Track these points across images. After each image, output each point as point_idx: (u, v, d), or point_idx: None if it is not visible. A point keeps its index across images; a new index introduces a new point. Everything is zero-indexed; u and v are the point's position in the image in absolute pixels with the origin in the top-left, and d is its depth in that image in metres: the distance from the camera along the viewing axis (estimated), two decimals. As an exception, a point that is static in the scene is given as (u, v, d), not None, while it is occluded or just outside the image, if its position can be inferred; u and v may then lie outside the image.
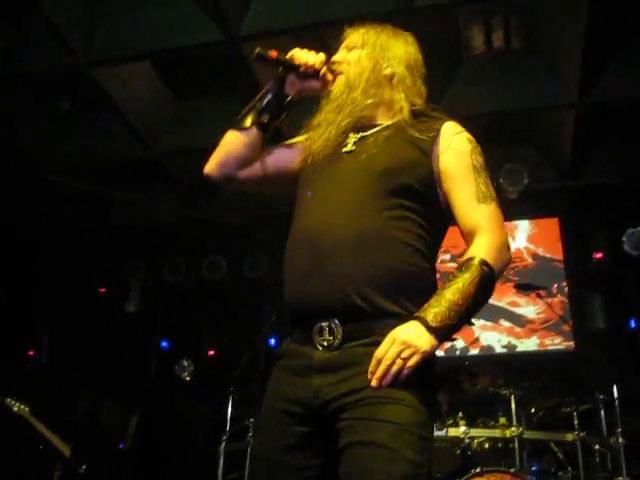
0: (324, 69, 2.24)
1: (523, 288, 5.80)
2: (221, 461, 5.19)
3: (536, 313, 7.35)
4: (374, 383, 1.75)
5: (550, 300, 5.39)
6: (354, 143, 2.10)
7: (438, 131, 2.06)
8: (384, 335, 1.80)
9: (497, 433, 4.78)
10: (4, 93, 6.46)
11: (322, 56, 2.26)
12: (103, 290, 8.61)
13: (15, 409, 4.91)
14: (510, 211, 7.77)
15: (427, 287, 1.91)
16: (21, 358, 8.13)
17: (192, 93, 6.84)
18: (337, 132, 2.12)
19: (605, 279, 7.41)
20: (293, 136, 2.34)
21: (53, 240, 8.10)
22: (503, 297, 7.30)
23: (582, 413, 4.97)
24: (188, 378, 7.70)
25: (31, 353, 8.29)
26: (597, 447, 5.02)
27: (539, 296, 5.53)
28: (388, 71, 2.22)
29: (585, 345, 6.87)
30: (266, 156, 2.26)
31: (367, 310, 1.84)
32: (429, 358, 1.80)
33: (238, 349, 6.09)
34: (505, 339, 7.34)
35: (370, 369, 1.77)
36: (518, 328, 7.40)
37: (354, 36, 2.34)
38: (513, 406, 4.76)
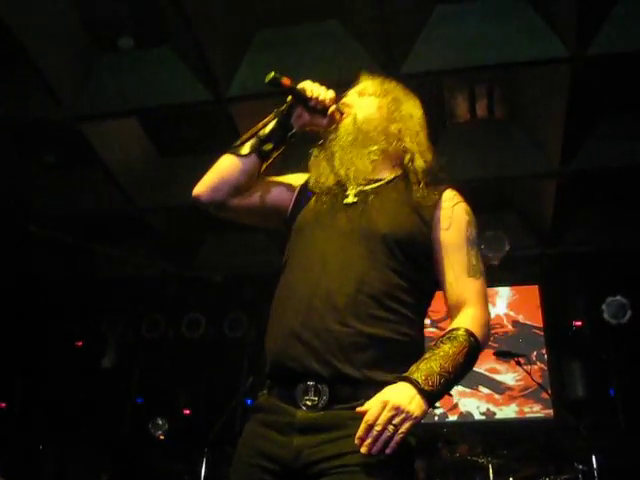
0: (333, 107, 2.16)
1: (503, 355, 5.79)
2: (194, 524, 5.08)
3: (515, 380, 7.33)
4: (364, 450, 1.66)
5: (529, 367, 5.36)
6: (355, 195, 2.04)
7: (439, 199, 2.05)
8: (369, 399, 1.73)
9: (474, 502, 4.72)
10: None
11: (332, 94, 2.18)
12: (80, 344, 8.50)
13: None
14: (491, 277, 7.72)
15: (418, 358, 1.84)
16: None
17: (178, 151, 6.89)
18: (338, 177, 2.09)
19: (585, 347, 7.42)
20: (286, 171, 2.29)
21: (33, 291, 8.03)
22: (482, 364, 7.28)
23: (562, 483, 4.93)
24: (162, 437, 7.58)
25: (2, 405, 8.14)
26: (576, 519, 4.95)
27: (518, 363, 5.51)
28: (399, 125, 2.18)
29: (564, 413, 6.83)
30: (261, 187, 2.18)
31: (358, 378, 1.79)
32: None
33: (214, 409, 6.01)
34: (484, 406, 7.30)
35: (359, 434, 1.68)
36: (497, 395, 7.37)
37: (368, 83, 2.29)
38: (491, 475, 4.71)
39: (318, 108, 2.14)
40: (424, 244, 1.97)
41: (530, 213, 7.46)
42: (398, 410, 1.67)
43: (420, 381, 1.71)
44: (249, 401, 7.63)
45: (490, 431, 6.82)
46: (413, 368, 1.76)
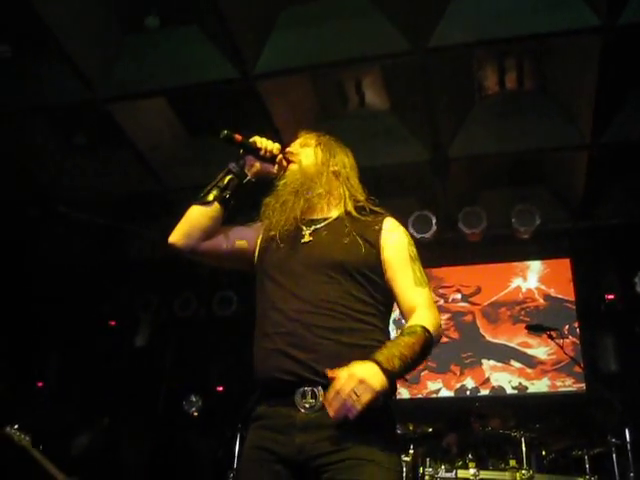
0: (280, 156, 2.53)
1: (534, 329, 5.76)
2: (227, 499, 5.15)
3: (547, 354, 7.30)
4: (331, 413, 1.98)
5: (562, 341, 5.33)
6: (310, 234, 2.39)
7: (380, 226, 2.41)
8: None
9: (507, 476, 4.72)
10: (21, 126, 6.55)
11: (278, 145, 2.54)
12: (114, 323, 8.60)
13: (16, 439, 4.84)
14: (522, 251, 7.76)
15: None
16: (29, 389, 8.12)
17: (206, 129, 6.90)
18: (293, 216, 2.40)
19: (617, 321, 7.35)
20: (246, 216, 2.60)
21: (66, 273, 8.12)
22: (514, 338, 7.26)
23: (594, 457, 4.91)
24: (196, 414, 7.67)
25: (40, 384, 8.28)
26: (609, 492, 4.94)
27: (550, 337, 5.48)
28: (336, 168, 2.55)
29: (597, 387, 6.79)
30: (226, 233, 2.51)
31: None
32: (384, 402, 2.07)
33: (247, 385, 6.06)
34: (516, 380, 7.28)
35: (328, 398, 2.00)
36: (529, 369, 7.34)
37: (307, 137, 2.65)
38: (524, 448, 4.71)
39: (267, 157, 2.51)
40: (375, 265, 2.33)
41: (561, 186, 7.39)
42: (361, 382, 1.96)
43: (382, 361, 2.02)
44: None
45: (522, 405, 6.82)
46: (377, 352, 2.07)
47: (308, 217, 2.45)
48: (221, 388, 8.05)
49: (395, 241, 2.39)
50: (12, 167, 6.89)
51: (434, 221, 7.07)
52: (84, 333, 8.15)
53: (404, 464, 4.71)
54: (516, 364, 7.31)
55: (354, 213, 2.46)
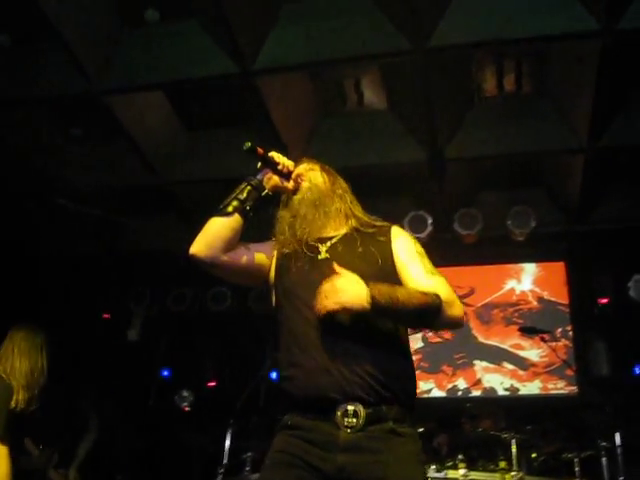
0: (296, 172, 2.63)
1: (527, 331, 5.78)
2: (217, 494, 5.14)
3: (539, 357, 7.32)
4: (317, 307, 2.17)
5: (554, 344, 5.37)
6: (326, 251, 2.48)
7: (389, 236, 2.53)
8: (395, 420, 2.18)
9: (497, 477, 4.73)
10: (19, 118, 6.53)
11: (292, 162, 2.65)
12: (107, 316, 8.59)
13: None
14: (517, 254, 7.78)
15: (414, 374, 2.36)
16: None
17: (204, 124, 6.90)
18: (312, 229, 2.52)
19: (610, 325, 7.37)
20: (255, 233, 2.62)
21: (61, 264, 8.11)
22: (507, 339, 7.28)
23: (584, 460, 4.92)
24: (188, 408, 7.67)
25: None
26: (598, 496, 4.96)
27: (543, 340, 5.51)
28: (340, 191, 2.68)
29: (588, 391, 6.81)
30: (245, 248, 2.57)
31: (384, 396, 2.18)
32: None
33: (239, 381, 6.06)
34: (508, 382, 7.30)
35: (322, 295, 2.18)
36: (521, 371, 7.36)
37: (311, 162, 2.75)
38: (514, 450, 4.72)
39: (284, 172, 2.60)
40: (393, 273, 2.43)
41: (557, 189, 7.40)
42: (340, 291, 2.15)
43: (373, 288, 2.16)
44: (274, 374, 7.71)
45: (513, 407, 6.83)
46: (378, 284, 2.21)
47: (320, 235, 2.53)
48: (213, 383, 8.05)
49: (403, 244, 2.51)
50: (8, 158, 6.87)
51: (430, 221, 7.08)
52: (77, 325, 8.14)
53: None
54: (508, 366, 7.32)
55: (361, 228, 2.57)
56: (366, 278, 2.27)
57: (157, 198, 7.53)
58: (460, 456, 4.85)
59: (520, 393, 7.26)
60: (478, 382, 7.36)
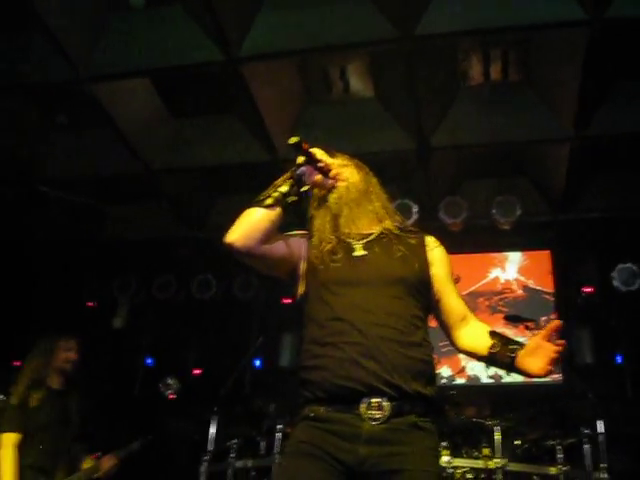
0: (335, 171, 2.59)
1: (512, 320, 5.79)
2: (202, 481, 5.15)
3: (524, 345, 7.34)
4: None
5: (538, 333, 5.37)
6: (362, 248, 2.49)
7: (424, 243, 2.60)
8: (418, 414, 2.21)
9: (480, 464, 4.76)
10: (3, 105, 6.47)
11: (333, 160, 2.61)
12: (91, 304, 8.56)
13: None
14: (502, 242, 7.80)
15: (435, 373, 2.39)
16: (7, 368, 8.07)
17: (190, 112, 6.87)
18: (341, 235, 2.53)
19: (594, 314, 7.41)
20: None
21: (45, 252, 8.06)
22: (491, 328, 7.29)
23: (567, 447, 4.95)
24: (173, 396, 7.66)
25: (17, 364, 8.21)
26: (580, 482, 4.99)
27: (527, 328, 5.52)
28: (375, 189, 2.70)
29: (572, 379, 6.84)
30: (282, 240, 2.56)
31: (409, 392, 2.20)
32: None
33: (224, 369, 6.06)
34: (491, 369, 7.33)
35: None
36: (505, 359, 7.38)
37: (344, 157, 2.74)
38: (497, 437, 4.74)
39: (324, 169, 2.57)
40: (427, 280, 2.49)
41: (543, 178, 7.42)
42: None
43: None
44: (258, 362, 7.72)
45: (497, 394, 6.88)
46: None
47: (354, 232, 2.55)
48: (198, 371, 8.05)
49: (440, 257, 2.59)
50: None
51: (415, 209, 7.07)
52: (62, 313, 8.10)
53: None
54: (493, 354, 7.34)
55: (394, 230, 2.59)
56: (403, 282, 2.39)
57: (142, 185, 7.50)
58: (444, 443, 4.86)
59: (503, 381, 7.29)
60: (462, 370, 7.38)
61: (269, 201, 2.46)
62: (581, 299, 7.39)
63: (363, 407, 2.17)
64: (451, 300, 2.55)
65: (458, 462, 4.77)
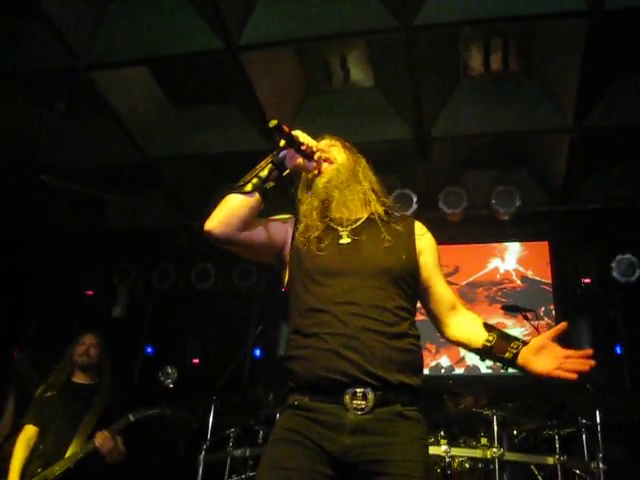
0: (318, 153, 2.54)
1: (510, 310, 5.81)
2: (200, 470, 5.17)
3: (523, 335, 7.35)
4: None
5: (537, 323, 5.38)
6: (348, 236, 2.45)
7: (413, 231, 2.55)
8: (404, 404, 2.20)
9: (478, 453, 4.76)
10: (2, 93, 6.46)
11: (315, 142, 2.56)
12: (90, 293, 8.57)
13: None
14: (501, 233, 7.80)
15: (422, 362, 2.39)
16: (6, 357, 8.08)
17: (189, 100, 6.85)
18: (329, 221, 2.48)
19: (593, 305, 7.42)
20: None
21: (45, 241, 8.06)
22: (490, 318, 7.30)
23: (564, 437, 4.97)
24: (171, 385, 7.67)
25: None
26: (578, 472, 5.00)
27: (526, 318, 5.53)
28: (364, 171, 2.66)
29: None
30: (261, 225, 2.51)
31: (392, 382, 2.19)
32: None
33: (223, 358, 6.07)
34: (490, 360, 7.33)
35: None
36: (504, 349, 7.39)
37: (333, 139, 2.71)
38: (495, 427, 4.75)
39: (307, 152, 2.51)
40: (414, 270, 2.46)
41: (542, 169, 7.42)
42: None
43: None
44: (257, 351, 7.72)
45: (496, 384, 6.88)
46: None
47: (340, 216, 2.51)
48: (197, 360, 8.06)
49: (429, 245, 2.56)
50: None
51: (415, 200, 7.08)
52: (61, 302, 8.12)
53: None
54: (491, 344, 7.35)
55: (383, 216, 2.54)
56: (389, 273, 2.35)
57: (142, 174, 7.49)
58: (442, 432, 4.88)
59: (502, 371, 7.29)
60: (461, 360, 7.40)
61: (248, 187, 2.42)
62: (580, 290, 7.40)
63: (347, 397, 2.16)
64: (440, 289, 2.52)
65: (456, 451, 4.77)
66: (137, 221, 8.15)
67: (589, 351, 2.26)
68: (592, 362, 2.23)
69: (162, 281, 8.31)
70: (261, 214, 2.51)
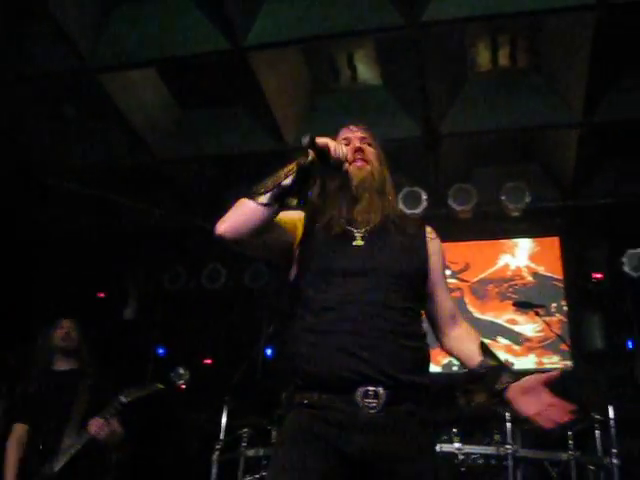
0: (347, 165, 2.42)
1: (522, 306, 5.80)
2: (214, 470, 5.17)
3: (534, 331, 7.35)
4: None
5: (548, 319, 5.38)
6: (361, 238, 2.40)
7: (424, 235, 2.53)
8: (413, 402, 2.20)
9: (491, 450, 4.76)
10: (10, 95, 6.48)
11: (345, 151, 2.42)
12: (102, 295, 8.59)
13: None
14: (511, 229, 7.78)
15: (429, 362, 2.38)
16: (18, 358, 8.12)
17: (197, 102, 6.87)
18: (350, 221, 2.42)
19: (604, 299, 7.40)
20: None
21: (55, 244, 8.09)
22: (502, 314, 7.30)
23: (577, 433, 4.95)
24: (184, 386, 7.70)
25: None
26: (591, 467, 4.99)
27: (537, 314, 5.52)
28: (388, 183, 2.57)
29: (583, 365, 6.85)
30: (273, 228, 2.40)
31: (403, 381, 2.18)
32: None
33: (235, 358, 6.08)
34: (502, 356, 7.28)
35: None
36: (516, 346, 7.39)
37: (369, 136, 2.64)
38: (508, 424, 4.74)
39: (336, 165, 2.36)
40: (424, 272, 2.45)
41: (552, 164, 7.40)
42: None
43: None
44: (269, 350, 7.73)
45: (508, 381, 6.85)
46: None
47: (358, 219, 2.43)
48: (209, 361, 8.07)
49: (438, 250, 2.54)
50: (0, 136, 6.84)
51: (424, 197, 7.06)
52: (72, 304, 8.14)
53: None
54: (503, 340, 7.35)
55: (395, 219, 2.49)
56: (401, 275, 2.34)
57: (150, 176, 7.51)
58: (455, 430, 4.87)
59: (514, 368, 7.29)
60: (473, 357, 7.38)
61: (266, 199, 2.28)
62: (591, 285, 7.37)
63: (359, 395, 2.14)
64: (443, 294, 2.52)
65: (469, 448, 4.76)
66: (147, 223, 8.17)
67: (572, 406, 2.18)
68: (572, 416, 2.17)
69: (173, 282, 8.34)
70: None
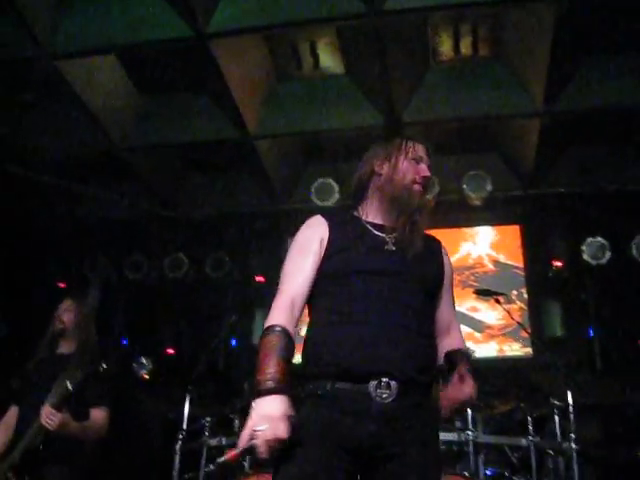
0: (411, 183, 2.69)
1: (482, 294, 5.82)
2: (177, 460, 5.15)
3: (495, 319, 7.42)
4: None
5: (509, 306, 5.42)
6: (393, 244, 2.51)
7: (440, 249, 2.69)
8: (422, 395, 2.32)
9: (452, 437, 4.80)
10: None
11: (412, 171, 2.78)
12: (63, 285, 8.49)
13: None
14: (473, 217, 7.84)
15: (437, 360, 2.49)
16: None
17: (158, 88, 6.80)
18: (390, 223, 2.56)
19: (564, 287, 7.49)
20: None
21: (13, 232, 7.97)
22: (463, 302, 7.36)
23: (537, 418, 5.01)
24: (146, 376, 7.64)
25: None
26: (550, 452, 5.06)
27: (498, 302, 5.55)
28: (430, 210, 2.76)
29: (542, 352, 6.93)
30: (307, 265, 2.50)
31: (414, 377, 2.27)
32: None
33: (198, 348, 6.06)
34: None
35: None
36: (477, 333, 7.46)
37: (429, 160, 2.91)
38: (469, 410, 4.78)
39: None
40: (440, 282, 2.59)
41: (513, 153, 7.46)
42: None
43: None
44: (233, 340, 7.71)
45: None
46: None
47: (392, 227, 2.56)
48: (172, 350, 8.03)
49: (449, 264, 2.69)
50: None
51: (387, 186, 7.07)
52: (32, 294, 8.03)
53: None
54: (464, 328, 7.37)
55: (421, 232, 2.62)
56: (426, 280, 2.49)
57: (111, 164, 7.42)
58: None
59: (476, 355, 7.35)
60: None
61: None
62: (551, 273, 7.46)
63: (372, 386, 2.22)
64: (446, 305, 2.63)
65: (430, 435, 4.80)
66: (108, 212, 8.09)
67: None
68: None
69: (135, 272, 8.26)
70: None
